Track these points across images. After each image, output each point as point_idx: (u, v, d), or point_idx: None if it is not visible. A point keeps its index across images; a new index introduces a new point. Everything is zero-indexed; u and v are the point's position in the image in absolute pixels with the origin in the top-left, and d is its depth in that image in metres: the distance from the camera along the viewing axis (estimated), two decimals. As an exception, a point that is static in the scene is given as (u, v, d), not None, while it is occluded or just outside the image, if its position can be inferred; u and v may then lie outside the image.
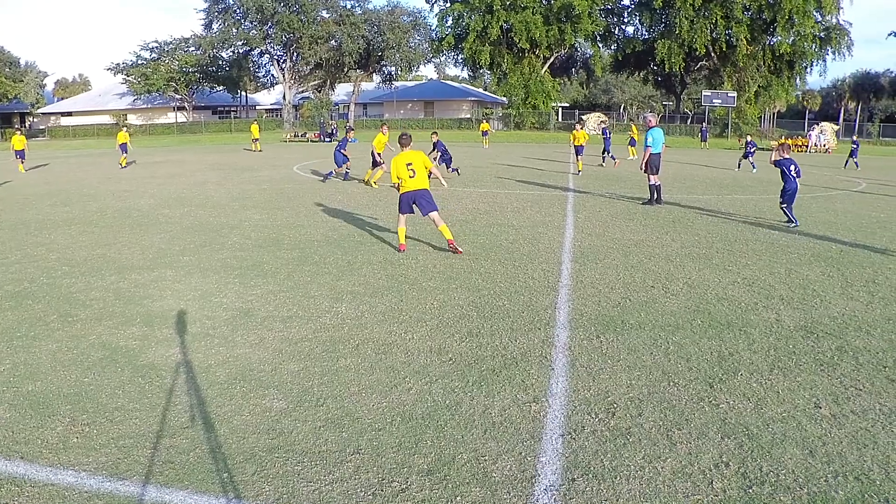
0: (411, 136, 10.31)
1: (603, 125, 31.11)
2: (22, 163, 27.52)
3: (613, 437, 4.38)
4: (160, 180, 22.26)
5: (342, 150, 20.81)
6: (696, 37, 60.84)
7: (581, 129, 25.34)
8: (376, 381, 5.26)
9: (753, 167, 26.40)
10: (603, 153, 27.78)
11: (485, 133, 44.14)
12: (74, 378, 5.39)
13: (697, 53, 63.76)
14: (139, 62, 71.37)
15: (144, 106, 76.26)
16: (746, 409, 4.75)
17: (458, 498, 3.72)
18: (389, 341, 6.17)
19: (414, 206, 9.91)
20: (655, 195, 15.19)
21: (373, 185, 18.74)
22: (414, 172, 9.79)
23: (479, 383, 5.23)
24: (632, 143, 31.63)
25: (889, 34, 74.86)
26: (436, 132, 22.81)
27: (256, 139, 39.94)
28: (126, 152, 28.84)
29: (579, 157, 24.09)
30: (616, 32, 71.47)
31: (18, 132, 31.13)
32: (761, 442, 4.30)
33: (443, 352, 5.90)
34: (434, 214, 9.91)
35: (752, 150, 27.15)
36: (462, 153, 33.57)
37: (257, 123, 43.93)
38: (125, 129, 32.39)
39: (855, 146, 31.83)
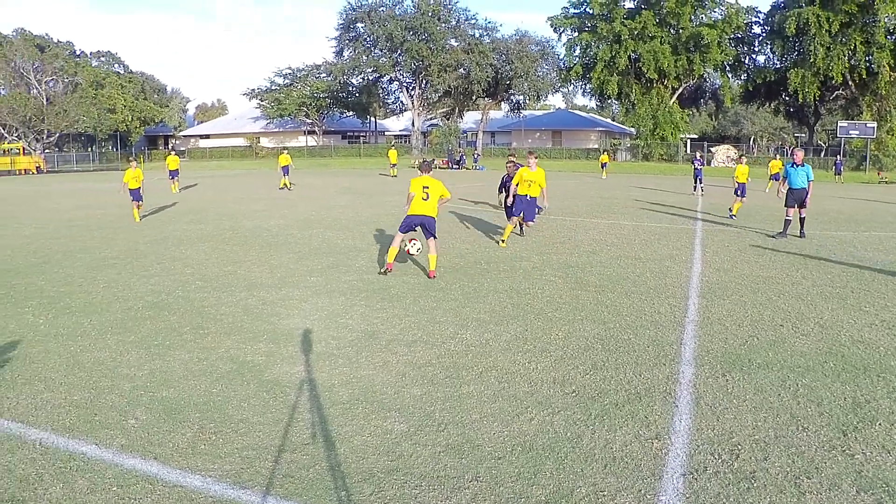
0: (431, 163, 11.22)
1: (697, 156, 30.42)
2: (175, 182, 29.10)
3: (737, 480, 4.20)
4: (291, 202, 23.30)
5: None
6: (832, 64, 57.69)
7: (745, 163, 21.54)
8: (498, 410, 5.26)
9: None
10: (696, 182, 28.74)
11: (604, 165, 44.23)
12: (204, 388, 5.71)
13: (833, 82, 60.47)
14: (273, 88, 75.76)
15: (276, 129, 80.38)
16: (886, 463, 4.42)
17: (581, 536, 3.65)
18: (513, 370, 6.17)
19: (419, 228, 10.63)
20: (799, 227, 15.40)
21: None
22: (427, 196, 10.37)
23: (601, 417, 5.15)
24: (774, 177, 30.61)
25: None
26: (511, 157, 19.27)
27: (394, 164, 41.20)
28: (287, 174, 30.07)
29: (740, 197, 19.72)
30: (746, 62, 69.07)
31: (173, 153, 33.14)
32: (907, 501, 3.99)
33: (566, 383, 5.85)
34: (432, 241, 10.47)
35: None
36: (584, 184, 33.41)
37: (395, 149, 45.33)
38: (285, 151, 33.79)
39: None
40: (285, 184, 29.76)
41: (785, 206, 15.37)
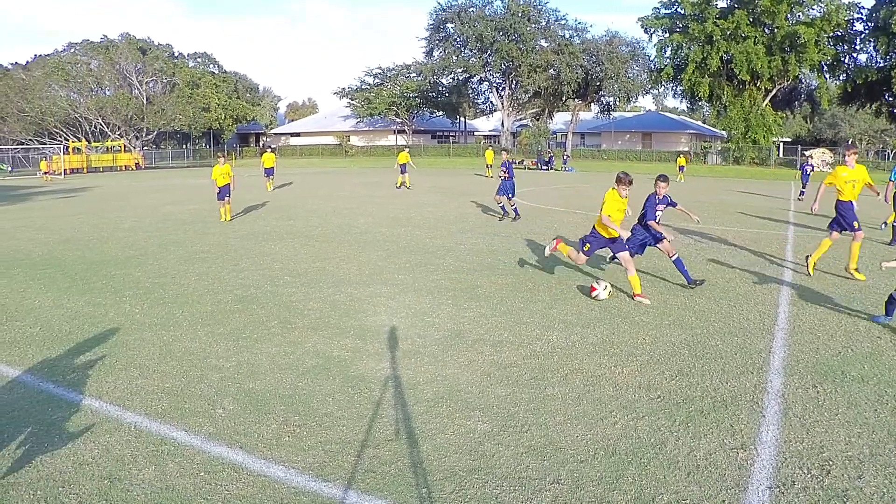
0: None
1: (806, 162, 28.87)
2: (270, 180, 28.98)
3: (828, 497, 4.04)
4: (380, 200, 23.64)
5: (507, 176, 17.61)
6: None
7: None
8: (582, 413, 5.21)
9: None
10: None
11: (682, 168, 41.91)
12: (290, 381, 5.85)
13: None
14: (363, 87, 77.04)
15: (366, 128, 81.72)
16: None
17: (665, 545, 3.58)
18: (599, 374, 6.09)
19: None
20: None
21: None
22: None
23: (686, 424, 5.04)
24: None
25: None
26: (505, 150, 18.18)
27: (490, 165, 41.36)
28: (405, 172, 29.92)
29: None
30: (846, 61, 65.68)
31: (269, 150, 32.59)
32: None
33: (651, 388, 5.74)
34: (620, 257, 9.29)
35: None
36: (673, 188, 32.69)
37: (492, 149, 45.42)
38: (406, 149, 33.95)
39: None
40: (402, 182, 29.53)
41: (894, 209, 14.90)
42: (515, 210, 17.83)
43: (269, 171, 28.98)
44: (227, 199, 17.28)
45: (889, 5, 58.51)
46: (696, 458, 4.51)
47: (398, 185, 29.54)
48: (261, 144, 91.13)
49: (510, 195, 17.72)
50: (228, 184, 17.32)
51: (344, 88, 78.51)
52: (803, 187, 27.68)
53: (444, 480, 4.21)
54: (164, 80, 70.26)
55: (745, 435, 4.87)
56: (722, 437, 4.84)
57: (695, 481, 4.21)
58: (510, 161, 18.03)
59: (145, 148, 67.29)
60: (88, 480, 4.18)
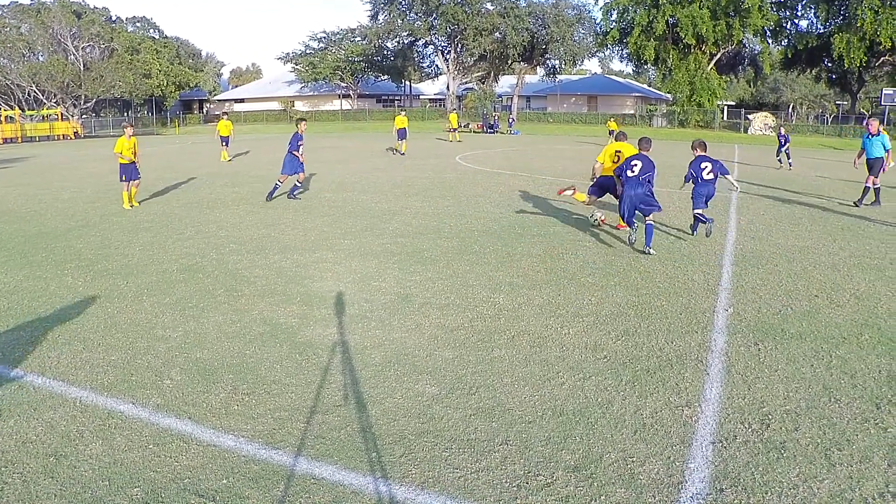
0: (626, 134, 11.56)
1: (782, 131, 28.19)
2: (226, 149, 26.70)
3: (767, 450, 4.17)
4: (326, 165, 23.37)
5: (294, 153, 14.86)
6: (880, 29, 55.43)
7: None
8: (529, 374, 5.27)
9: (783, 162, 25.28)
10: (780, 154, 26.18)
11: (612, 132, 36.16)
12: (237, 349, 5.79)
13: (881, 48, 58.29)
14: (307, 52, 75.61)
15: (311, 93, 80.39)
16: None
17: (603, 497, 3.67)
18: (545, 335, 6.16)
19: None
20: (874, 196, 15.25)
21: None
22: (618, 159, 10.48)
23: (632, 383, 5.13)
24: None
25: None
26: (303, 119, 16.02)
27: (455, 129, 40.65)
28: (404, 138, 28.74)
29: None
30: (788, 27, 66.90)
31: (225, 116, 29.16)
32: (942, 475, 3.92)
33: (598, 349, 5.83)
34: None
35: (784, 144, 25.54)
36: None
37: (456, 113, 44.51)
38: (403, 112, 31.98)
39: None
40: (398, 148, 28.67)
41: (869, 173, 15.22)
42: None
43: (225, 140, 26.78)
44: (135, 180, 14.19)
45: None
46: (643, 417, 4.60)
47: (396, 150, 28.54)
48: (204, 111, 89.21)
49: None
50: (135, 162, 14.23)
51: (288, 53, 76.85)
52: (788, 159, 25.81)
53: (394, 444, 4.22)
54: (102, 46, 67.59)
55: (689, 393, 4.98)
56: (667, 395, 4.95)
57: (641, 439, 4.30)
58: None
59: (84, 116, 65.05)
60: (33, 459, 4.08)
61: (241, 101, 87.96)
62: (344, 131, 55.60)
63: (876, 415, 4.65)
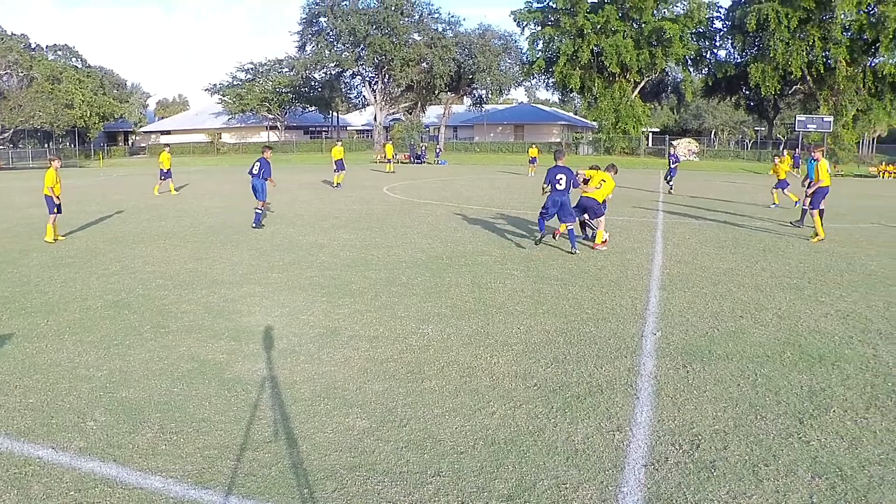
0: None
1: (673, 151, 29.27)
2: (163, 181, 25.29)
3: (697, 469, 4.27)
4: (252, 198, 22.99)
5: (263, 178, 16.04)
6: (791, 59, 58.92)
7: (783, 159, 21.52)
8: (460, 405, 5.27)
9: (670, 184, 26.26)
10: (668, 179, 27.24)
11: (532, 160, 38.09)
12: (164, 387, 5.63)
13: (792, 77, 61.72)
14: (235, 83, 74.76)
15: (238, 125, 79.46)
16: (840, 449, 4.54)
17: (541, 528, 3.68)
18: (475, 364, 6.18)
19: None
20: (800, 216, 16.36)
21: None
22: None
23: (563, 410, 5.18)
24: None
25: None
26: (269, 147, 17.44)
27: (391, 160, 40.72)
28: (342, 169, 27.97)
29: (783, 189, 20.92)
30: (708, 56, 70.09)
31: (167, 148, 27.39)
32: (856, 484, 4.09)
33: (528, 377, 5.87)
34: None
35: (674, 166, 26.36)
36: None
37: (392, 143, 44.69)
38: (340, 143, 31.22)
39: None
40: (339, 181, 28.04)
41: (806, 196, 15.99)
42: None
43: (165, 173, 25.28)
44: (57, 214, 13.74)
45: (744, 6, 62.53)
46: (575, 443, 4.65)
47: (335, 183, 27.86)
48: (129, 143, 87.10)
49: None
50: (59, 195, 13.91)
51: (215, 84, 75.84)
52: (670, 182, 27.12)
53: (326, 479, 4.16)
54: (21, 74, 65.29)
55: (620, 417, 5.06)
56: (598, 420, 5.01)
57: (574, 465, 4.34)
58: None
59: (1, 147, 62.70)
60: (-55, 508, 3.87)
61: (168, 132, 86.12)
62: (272, 163, 54.91)
63: (799, 429, 4.84)
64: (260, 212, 15.70)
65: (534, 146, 43.13)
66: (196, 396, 5.44)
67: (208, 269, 10.55)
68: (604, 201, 12.52)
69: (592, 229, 12.90)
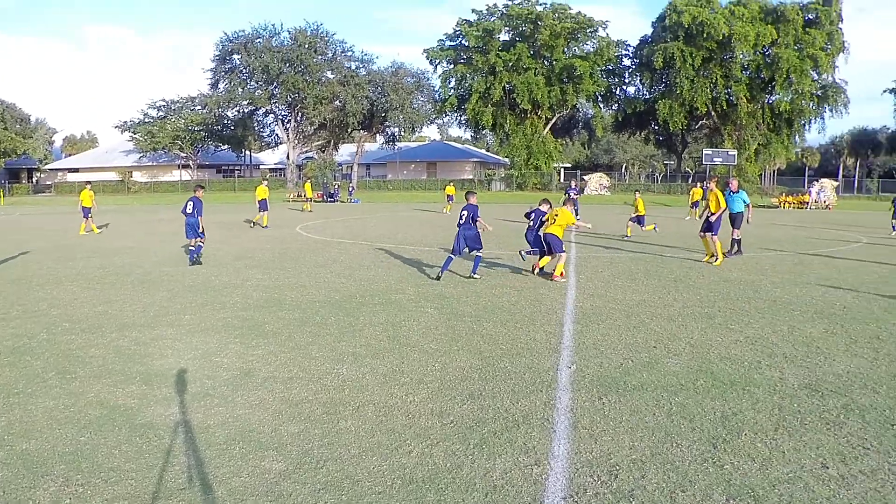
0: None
1: (572, 184, 30.09)
2: (88, 221, 24.62)
3: (616, 499, 4.34)
4: (163, 238, 22.43)
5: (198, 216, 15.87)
6: (696, 96, 62.32)
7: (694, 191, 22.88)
8: (377, 444, 5.23)
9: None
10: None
11: (450, 198, 38.53)
12: (70, 437, 5.36)
13: (698, 112, 65.27)
14: (146, 120, 72.87)
15: (150, 163, 77.39)
16: (752, 470, 4.72)
17: (458, 566, 3.68)
18: (391, 403, 6.15)
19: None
20: (736, 247, 16.89)
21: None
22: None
23: (480, 446, 5.19)
24: (694, 205, 31.75)
25: (884, 91, 77.01)
26: (201, 185, 18.09)
27: (309, 198, 40.18)
28: (266, 209, 27.28)
29: (639, 224, 22.70)
30: (617, 93, 72.84)
31: (88, 186, 26.40)
32: (768, 504, 4.26)
33: (444, 414, 5.86)
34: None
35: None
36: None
37: (310, 182, 44.28)
38: (265, 182, 29.86)
39: None
40: (258, 220, 27.26)
41: (732, 227, 16.88)
42: None
43: (86, 211, 24.63)
44: None
45: (651, 45, 65.52)
46: (493, 479, 4.64)
47: (252, 223, 27.06)
48: (33, 180, 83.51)
49: None
50: None
51: (126, 122, 73.67)
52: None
53: (239, 526, 4.05)
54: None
55: (538, 451, 5.07)
56: (516, 455, 5.01)
57: (493, 501, 4.34)
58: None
59: None
60: None
61: (76, 170, 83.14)
62: (183, 202, 53.61)
63: (714, 454, 4.98)
64: (193, 249, 15.66)
65: (451, 184, 43.77)
66: (105, 444, 5.21)
67: (118, 312, 10.17)
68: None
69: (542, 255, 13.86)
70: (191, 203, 15.91)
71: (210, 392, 6.46)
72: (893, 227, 26.66)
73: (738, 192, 16.92)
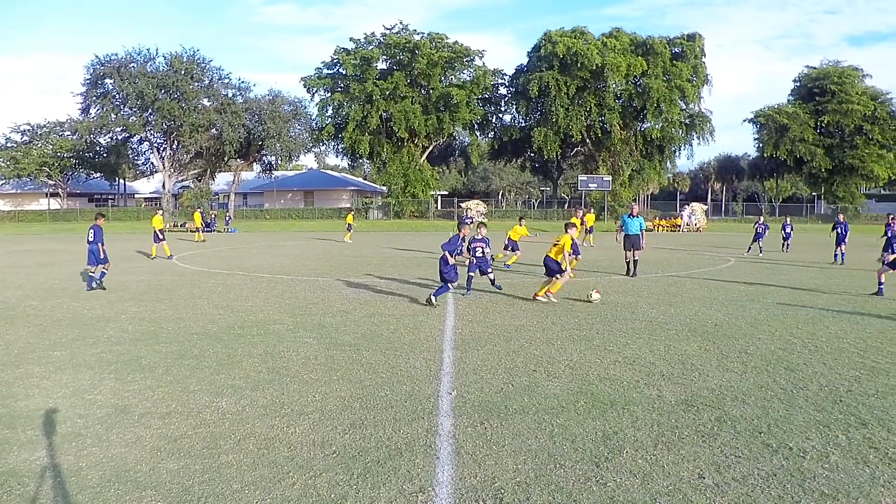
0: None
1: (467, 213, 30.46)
2: None
3: None
4: (29, 269, 20.95)
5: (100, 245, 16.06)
6: (571, 124, 64.57)
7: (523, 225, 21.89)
8: (259, 478, 5.06)
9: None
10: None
11: (349, 227, 38.04)
12: (-75, 488, 4.89)
13: (573, 140, 67.65)
14: (9, 145, 67.86)
15: (13, 191, 72.23)
16: (633, 486, 4.87)
17: None
18: (272, 436, 5.97)
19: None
20: (632, 269, 17.77)
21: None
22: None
23: (364, 475, 5.11)
24: (589, 230, 32.34)
25: (744, 120, 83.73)
26: (102, 214, 17.58)
27: (198, 228, 38.57)
28: (163, 239, 25.91)
29: (514, 251, 21.54)
30: (494, 121, 74.32)
31: None
32: (648, 518, 4.41)
33: (326, 445, 5.75)
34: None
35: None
36: (335, 245, 33.63)
37: (200, 211, 42.14)
38: (161, 212, 28.33)
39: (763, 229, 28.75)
40: (156, 252, 25.68)
41: (624, 249, 17.78)
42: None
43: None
44: None
45: (526, 74, 67.27)
46: (378, 508, 4.58)
47: (153, 255, 25.54)
48: None
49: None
50: None
51: (-16, 146, 68.36)
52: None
53: (115, 572, 3.81)
54: None
55: (422, 479, 5.03)
56: (400, 483, 4.96)
57: (375, 531, 4.28)
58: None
59: None
60: None
61: (-72, 197, 76.45)
62: (52, 232, 50.54)
63: (596, 472, 5.10)
64: (93, 275, 16.10)
65: (351, 213, 43.19)
66: (-37, 495, 4.78)
67: (-22, 350, 9.38)
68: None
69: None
70: (92, 231, 16.15)
71: (82, 432, 6.06)
72: (749, 247, 28.94)
73: (636, 216, 17.96)
